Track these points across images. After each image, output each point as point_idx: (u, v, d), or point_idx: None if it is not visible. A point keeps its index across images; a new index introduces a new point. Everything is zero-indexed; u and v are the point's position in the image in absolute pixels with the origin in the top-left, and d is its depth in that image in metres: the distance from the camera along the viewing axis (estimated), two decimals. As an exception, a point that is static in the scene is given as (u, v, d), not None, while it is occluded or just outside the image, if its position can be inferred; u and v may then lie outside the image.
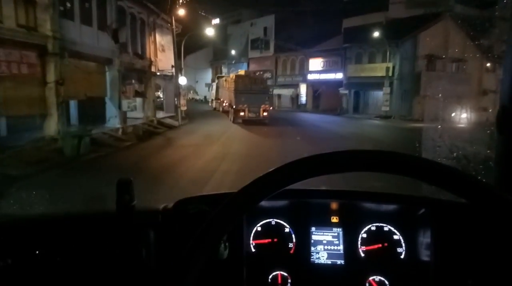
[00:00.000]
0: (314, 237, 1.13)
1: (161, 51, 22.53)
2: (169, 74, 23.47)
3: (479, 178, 0.54)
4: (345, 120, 27.79)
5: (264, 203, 0.64)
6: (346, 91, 33.13)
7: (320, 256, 1.11)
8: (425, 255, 1.03)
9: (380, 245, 1.09)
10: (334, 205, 1.15)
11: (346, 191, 1.14)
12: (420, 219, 1.06)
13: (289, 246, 1.12)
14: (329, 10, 41.11)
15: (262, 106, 22.76)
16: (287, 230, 1.13)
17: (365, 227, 1.12)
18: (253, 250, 1.12)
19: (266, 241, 1.13)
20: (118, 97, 16.63)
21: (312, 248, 1.12)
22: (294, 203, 1.14)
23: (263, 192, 0.57)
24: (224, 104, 28.87)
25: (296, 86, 38.21)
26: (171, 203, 1.11)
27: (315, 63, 36.78)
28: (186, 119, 24.67)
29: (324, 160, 0.57)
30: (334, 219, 1.14)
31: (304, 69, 38.38)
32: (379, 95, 31.61)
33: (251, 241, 1.13)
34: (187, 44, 63.96)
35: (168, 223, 1.05)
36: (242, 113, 22.73)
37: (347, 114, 32.48)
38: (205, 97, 55.49)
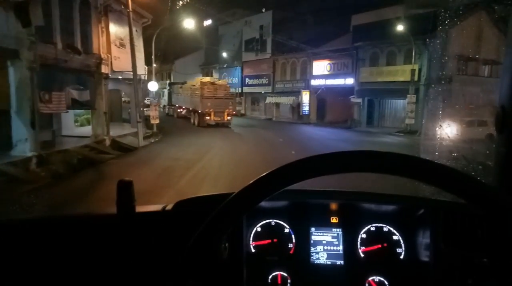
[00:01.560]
0: (313, 238, 1.14)
1: (119, 46, 16.72)
2: (132, 77, 17.62)
3: (479, 178, 0.55)
4: (360, 137, 21.94)
5: (264, 204, 0.67)
6: (359, 100, 27.40)
7: (320, 256, 1.12)
8: (424, 256, 1.03)
9: (379, 246, 1.09)
10: (333, 206, 1.16)
11: (345, 192, 1.14)
12: (419, 220, 1.06)
13: (289, 246, 1.13)
14: (334, 7, 35.63)
15: (226, 110, 24.86)
16: (286, 230, 1.14)
17: (364, 228, 1.12)
18: (253, 250, 1.13)
19: (266, 241, 1.13)
20: (31, 110, 10.78)
21: (312, 249, 1.13)
22: (293, 204, 1.14)
23: (263, 193, 0.58)
24: (179, 110, 30.78)
25: (297, 93, 32.48)
26: (171, 203, 1.10)
27: (320, 66, 31.10)
28: (157, 136, 18.96)
29: (324, 161, 0.58)
30: (334, 220, 1.15)
31: (307, 74, 32.70)
32: (400, 105, 25.88)
33: (251, 242, 1.13)
34: (176, 48, 57.29)
35: (168, 224, 1.05)
36: (207, 117, 24.51)
37: (360, 128, 26.70)
38: (194, 105, 49.70)
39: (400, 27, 22.80)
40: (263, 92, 37.85)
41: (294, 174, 0.57)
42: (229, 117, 25.04)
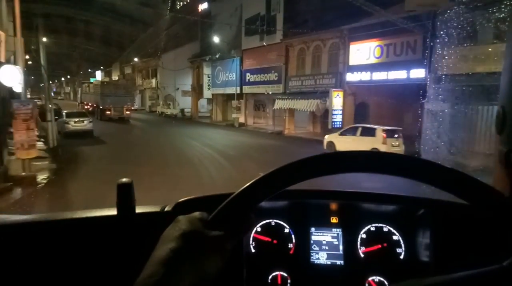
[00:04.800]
0: (313, 238, 1.14)
1: None
2: None
3: (479, 179, 0.56)
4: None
5: (263, 204, 0.68)
6: (438, 106, 15.54)
7: (320, 256, 1.12)
8: (424, 256, 1.04)
9: (379, 246, 1.10)
10: (333, 206, 1.17)
11: (345, 192, 1.15)
12: (419, 220, 1.07)
13: (289, 246, 1.14)
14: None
15: (125, 106, 30.14)
16: (286, 230, 1.15)
17: (364, 228, 1.13)
18: (253, 250, 1.13)
19: (266, 241, 1.14)
20: None
21: (312, 249, 1.14)
22: (293, 204, 1.16)
23: (263, 193, 0.59)
24: (87, 107, 33.92)
25: (323, 95, 20.86)
26: (171, 204, 1.10)
27: (363, 52, 19.46)
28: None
29: (323, 161, 0.59)
30: (334, 220, 1.16)
31: (338, 65, 21.09)
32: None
33: (251, 242, 1.13)
34: (165, 40, 47.37)
35: (168, 224, 0.94)
36: (108, 112, 29.37)
37: (437, 153, 14.91)
38: (182, 110, 38.31)
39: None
40: (270, 93, 26.35)
41: (296, 173, 0.58)
42: (128, 112, 29.88)
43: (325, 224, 1.15)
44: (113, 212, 1.01)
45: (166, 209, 1.09)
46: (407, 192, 1.10)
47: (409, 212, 1.09)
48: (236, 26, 29.80)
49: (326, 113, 21.05)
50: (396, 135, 14.56)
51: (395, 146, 14.25)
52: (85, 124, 18.29)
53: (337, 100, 20.37)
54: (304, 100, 22.13)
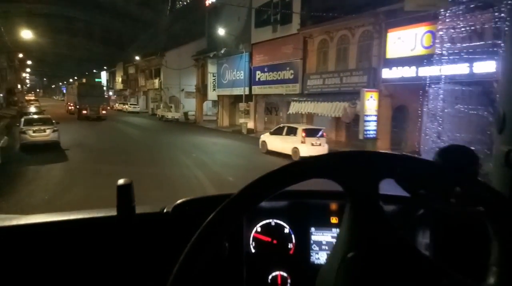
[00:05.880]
0: (313, 238, 1.15)
1: None
2: None
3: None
4: None
5: (263, 204, 0.68)
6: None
7: (320, 256, 1.13)
8: None
9: None
10: (333, 206, 1.17)
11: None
12: (419, 220, 1.07)
13: (289, 246, 1.14)
14: None
15: (101, 106, 32.70)
16: (286, 230, 1.15)
17: None
18: (253, 250, 1.14)
19: (266, 241, 1.14)
20: None
21: (312, 249, 1.14)
22: (293, 204, 1.16)
23: (264, 193, 0.59)
24: (70, 107, 37.12)
25: (351, 96, 16.58)
26: (171, 204, 1.11)
27: (404, 40, 15.13)
28: None
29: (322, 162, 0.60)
30: (334, 220, 1.16)
31: (371, 58, 16.80)
32: None
33: (251, 242, 1.14)
34: (169, 36, 43.52)
35: (168, 225, 1.07)
36: (84, 112, 31.27)
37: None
38: (186, 114, 34.36)
39: None
40: (284, 93, 22.17)
41: (296, 173, 0.59)
42: (104, 112, 32.75)
43: (325, 224, 1.15)
44: (113, 212, 1.01)
45: (165, 210, 1.10)
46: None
47: (409, 212, 1.07)
48: (245, 17, 25.71)
49: (356, 120, 16.76)
50: (317, 135, 14.71)
51: (316, 145, 14.37)
52: (47, 134, 14.23)
53: (370, 103, 16.06)
54: (327, 103, 17.88)
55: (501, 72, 0.86)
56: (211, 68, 30.32)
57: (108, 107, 53.31)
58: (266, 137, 16.46)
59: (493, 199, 0.55)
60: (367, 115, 16.07)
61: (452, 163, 0.65)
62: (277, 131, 15.87)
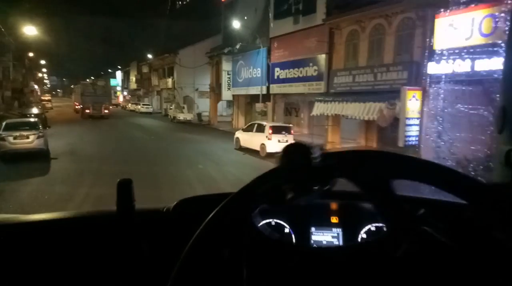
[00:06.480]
0: (314, 237, 1.15)
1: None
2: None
3: (477, 178, 0.57)
4: None
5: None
6: None
7: None
8: None
9: None
10: (333, 205, 1.17)
11: (345, 192, 1.14)
12: (419, 220, 1.03)
13: None
14: None
15: (103, 105, 33.42)
16: (286, 230, 1.15)
17: (365, 227, 1.13)
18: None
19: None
20: None
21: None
22: (293, 204, 1.09)
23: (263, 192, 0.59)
24: (76, 106, 38.54)
25: (389, 95, 13.92)
26: (172, 203, 1.11)
27: (457, 27, 12.34)
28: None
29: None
30: (334, 220, 1.16)
31: (413, 50, 14.16)
32: None
33: None
34: (183, 33, 42.09)
35: (168, 223, 1.07)
36: (87, 111, 32.36)
37: None
38: (199, 115, 32.25)
39: None
40: (306, 92, 19.66)
41: (297, 173, 0.59)
42: (106, 111, 33.45)
43: (325, 224, 1.16)
44: (113, 210, 1.00)
45: (166, 209, 1.10)
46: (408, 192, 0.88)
47: (409, 212, 1.06)
48: (263, 8, 23.30)
49: (394, 124, 14.12)
50: (284, 132, 15.06)
51: (283, 142, 14.22)
52: (30, 140, 11.90)
53: (412, 103, 13.41)
54: (358, 104, 15.26)
55: (502, 71, 0.84)
56: (226, 66, 28.02)
57: (119, 108, 55.22)
58: (239, 134, 16.97)
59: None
60: (409, 119, 13.42)
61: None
62: (249, 128, 16.50)
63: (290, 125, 16.35)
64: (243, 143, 16.45)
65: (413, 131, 13.58)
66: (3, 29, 24.84)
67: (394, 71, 14.54)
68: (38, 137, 12.13)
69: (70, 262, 1.00)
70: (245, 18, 24.06)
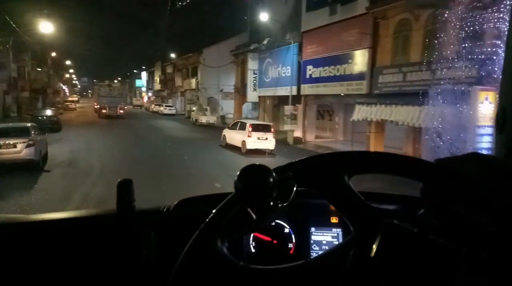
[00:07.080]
0: (313, 238, 1.15)
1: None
2: None
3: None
4: None
5: None
6: None
7: None
8: None
9: None
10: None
11: None
12: (419, 220, 1.04)
13: (289, 246, 1.14)
14: None
15: (119, 106, 35.70)
16: (286, 230, 1.15)
17: None
18: (253, 250, 1.14)
19: (266, 241, 1.14)
20: None
21: (312, 249, 1.14)
22: (293, 203, 1.07)
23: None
24: (96, 106, 39.50)
25: (452, 96, 11.18)
26: (172, 203, 1.10)
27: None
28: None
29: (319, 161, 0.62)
30: (334, 220, 1.16)
31: (481, 43, 11.37)
32: None
33: (250, 242, 1.13)
34: (208, 31, 39.45)
35: (168, 224, 1.06)
36: (104, 111, 34.52)
37: None
38: (223, 118, 30.21)
39: None
40: (344, 94, 17.11)
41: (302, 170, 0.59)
42: (121, 111, 35.58)
43: (325, 224, 1.16)
44: (113, 210, 1.00)
45: (166, 209, 1.10)
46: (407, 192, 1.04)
47: (409, 212, 1.05)
48: (294, 0, 20.91)
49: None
50: (264, 130, 15.90)
51: (262, 139, 15.62)
52: (18, 150, 10.00)
53: (485, 107, 10.69)
54: (410, 107, 12.65)
55: (502, 71, 0.87)
56: (252, 65, 25.83)
57: (142, 109, 56.14)
58: (226, 132, 17.83)
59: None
60: (479, 127, 10.68)
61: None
62: (234, 127, 17.33)
63: (270, 124, 17.45)
64: (229, 141, 17.31)
65: (484, 143, 10.82)
66: (17, 29, 23.56)
67: (458, 67, 11.79)
68: (28, 146, 10.14)
69: (70, 262, 0.99)
70: (274, 11, 21.74)
